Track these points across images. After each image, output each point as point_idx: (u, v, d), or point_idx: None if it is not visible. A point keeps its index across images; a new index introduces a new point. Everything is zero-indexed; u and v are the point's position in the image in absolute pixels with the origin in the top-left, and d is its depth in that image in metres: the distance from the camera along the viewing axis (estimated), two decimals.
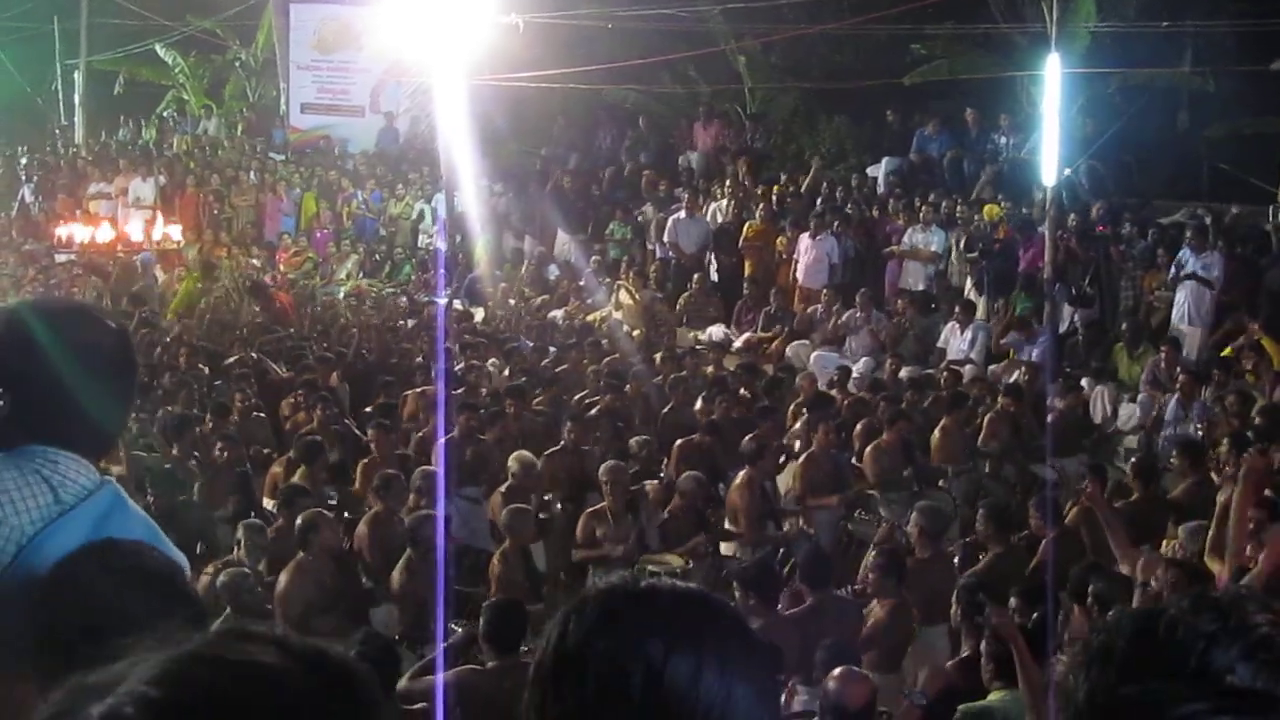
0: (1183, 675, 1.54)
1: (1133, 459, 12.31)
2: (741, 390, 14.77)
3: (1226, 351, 15.57)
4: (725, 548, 11.37)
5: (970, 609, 7.67)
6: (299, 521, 9.34)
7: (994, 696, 6.75)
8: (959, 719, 6.55)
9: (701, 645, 1.70)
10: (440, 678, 7.15)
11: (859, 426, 13.21)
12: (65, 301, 4.05)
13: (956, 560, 9.88)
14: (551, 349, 17.54)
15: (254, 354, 16.22)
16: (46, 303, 2.99)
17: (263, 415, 13.96)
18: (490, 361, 16.37)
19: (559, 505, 11.80)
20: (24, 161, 31.41)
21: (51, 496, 2.61)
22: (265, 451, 13.02)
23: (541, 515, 11.39)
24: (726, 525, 11.42)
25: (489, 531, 11.40)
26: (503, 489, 11.39)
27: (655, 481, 11.81)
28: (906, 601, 8.70)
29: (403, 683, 7.24)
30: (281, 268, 24.12)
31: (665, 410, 14.09)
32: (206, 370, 15.56)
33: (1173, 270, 16.54)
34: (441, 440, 12.17)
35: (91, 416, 2.73)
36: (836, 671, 6.49)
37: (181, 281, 21.27)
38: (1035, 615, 7.33)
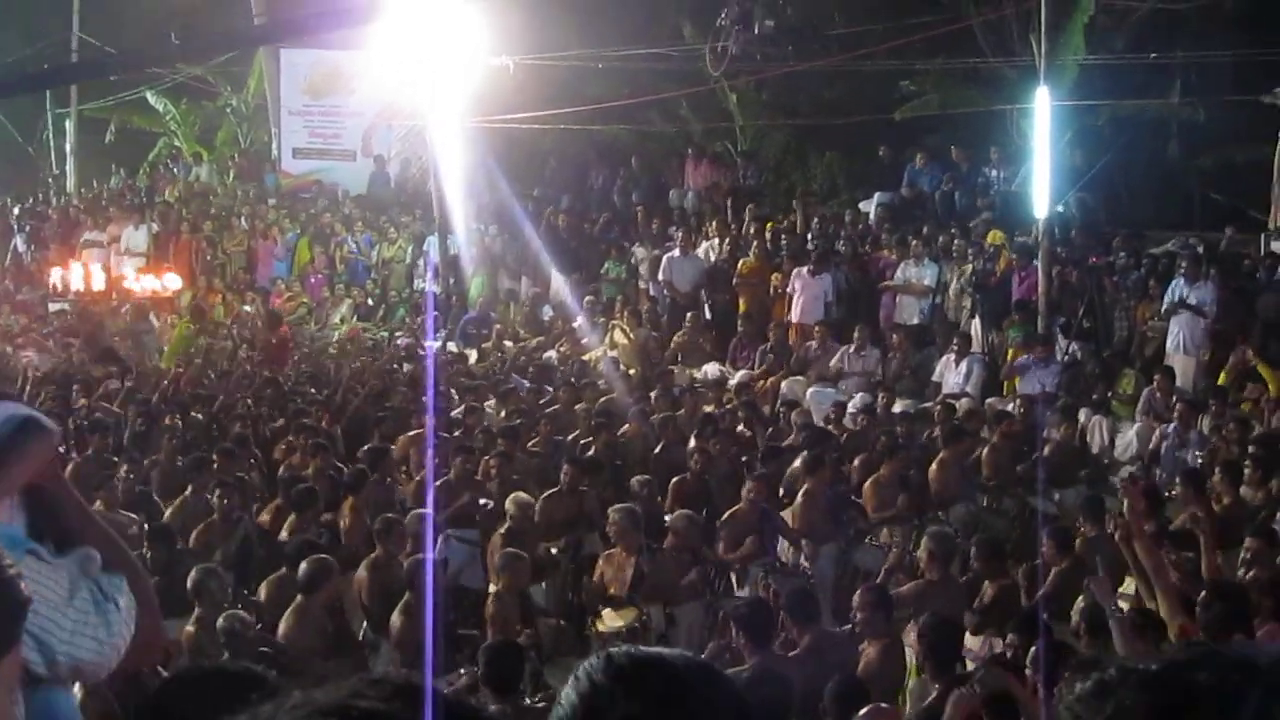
0: None
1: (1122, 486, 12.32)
2: (740, 428, 14.75)
3: (1221, 380, 15.58)
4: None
5: (934, 648, 7.58)
6: (306, 567, 9.31)
7: None
8: None
9: None
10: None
11: (857, 461, 13.21)
12: None
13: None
14: (548, 389, 17.51)
15: (248, 401, 16.18)
16: None
17: (253, 460, 13.89)
18: (487, 403, 16.35)
19: (557, 548, 11.73)
20: (16, 211, 31.42)
21: None
22: (256, 496, 12.98)
23: (554, 550, 11.35)
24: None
25: (483, 575, 11.38)
26: (501, 530, 11.34)
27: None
28: (897, 638, 8.64)
29: None
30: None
31: (659, 449, 14.04)
32: (200, 417, 15.52)
33: (1166, 300, 16.56)
34: (432, 483, 12.16)
35: None
36: (864, 711, 6.41)
37: (174, 328, 21.26)
38: (1034, 648, 7.25)
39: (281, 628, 9.04)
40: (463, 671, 8.06)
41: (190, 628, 9.00)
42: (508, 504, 11.55)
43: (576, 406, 15.98)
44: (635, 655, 1.90)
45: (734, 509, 11.55)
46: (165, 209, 28.79)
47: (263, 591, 10.03)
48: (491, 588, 10.70)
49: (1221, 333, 16.28)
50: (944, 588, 9.42)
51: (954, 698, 6.49)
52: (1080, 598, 8.47)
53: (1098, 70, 19.12)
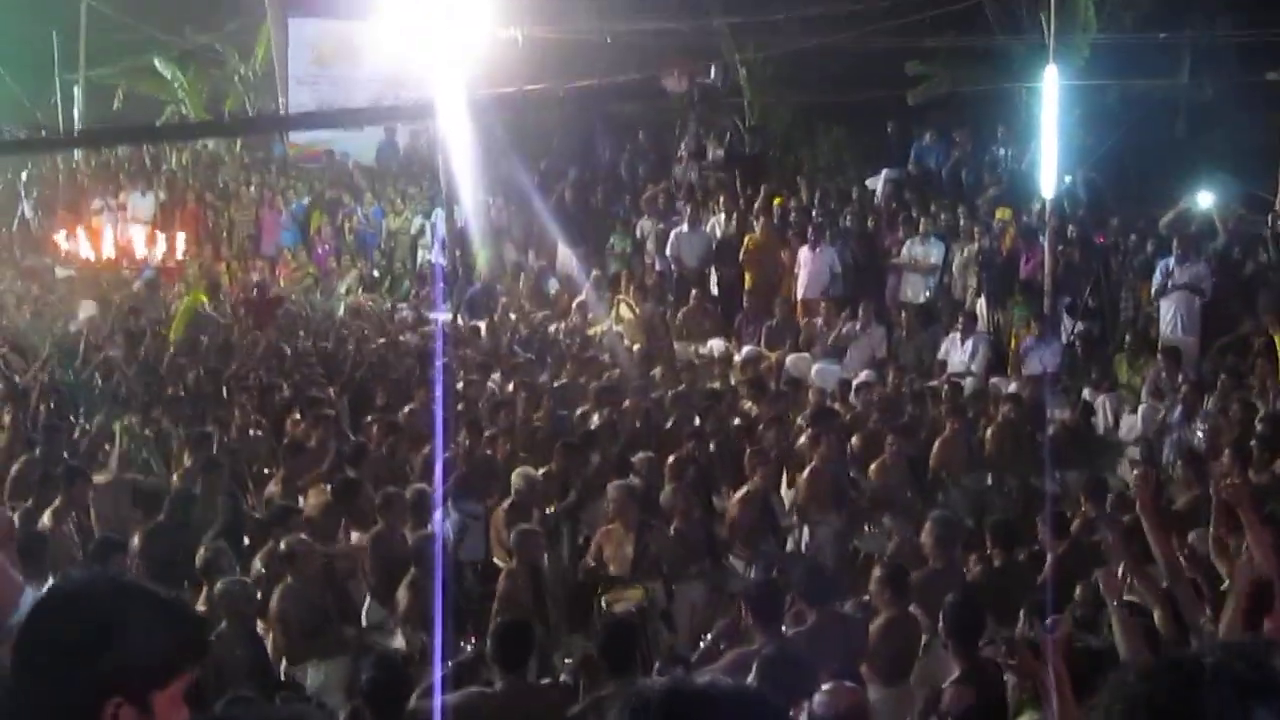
0: None
1: (1135, 471, 12.31)
2: (746, 404, 14.75)
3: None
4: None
5: (958, 627, 7.55)
6: (280, 549, 9.33)
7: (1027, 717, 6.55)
8: None
9: None
10: (439, 700, 7.10)
11: (861, 439, 13.20)
12: None
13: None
14: (549, 361, 17.50)
15: (260, 372, 16.15)
16: None
17: (261, 433, 13.88)
18: (493, 377, 16.33)
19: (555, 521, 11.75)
20: (24, 177, 31.40)
21: None
22: (265, 470, 12.97)
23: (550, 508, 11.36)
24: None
25: (483, 547, 11.41)
26: (505, 505, 11.35)
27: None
28: (908, 613, 8.64)
29: (411, 703, 7.21)
30: (281, 282, 24.11)
31: (670, 425, 14.02)
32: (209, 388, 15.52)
33: (1155, 280, 16.53)
34: (440, 456, 12.18)
35: None
36: (825, 686, 6.44)
37: (182, 299, 21.19)
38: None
39: (273, 602, 9.06)
40: (468, 646, 8.11)
41: (202, 607, 9.01)
42: (514, 478, 11.54)
43: (580, 377, 15.98)
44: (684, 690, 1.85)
45: (744, 492, 11.53)
46: (171, 176, 28.79)
47: (257, 563, 10.00)
48: (497, 560, 10.77)
49: (1217, 311, 16.25)
50: (947, 575, 9.36)
51: (951, 692, 6.53)
52: (1079, 587, 8.48)
53: (1107, 49, 19.08)
